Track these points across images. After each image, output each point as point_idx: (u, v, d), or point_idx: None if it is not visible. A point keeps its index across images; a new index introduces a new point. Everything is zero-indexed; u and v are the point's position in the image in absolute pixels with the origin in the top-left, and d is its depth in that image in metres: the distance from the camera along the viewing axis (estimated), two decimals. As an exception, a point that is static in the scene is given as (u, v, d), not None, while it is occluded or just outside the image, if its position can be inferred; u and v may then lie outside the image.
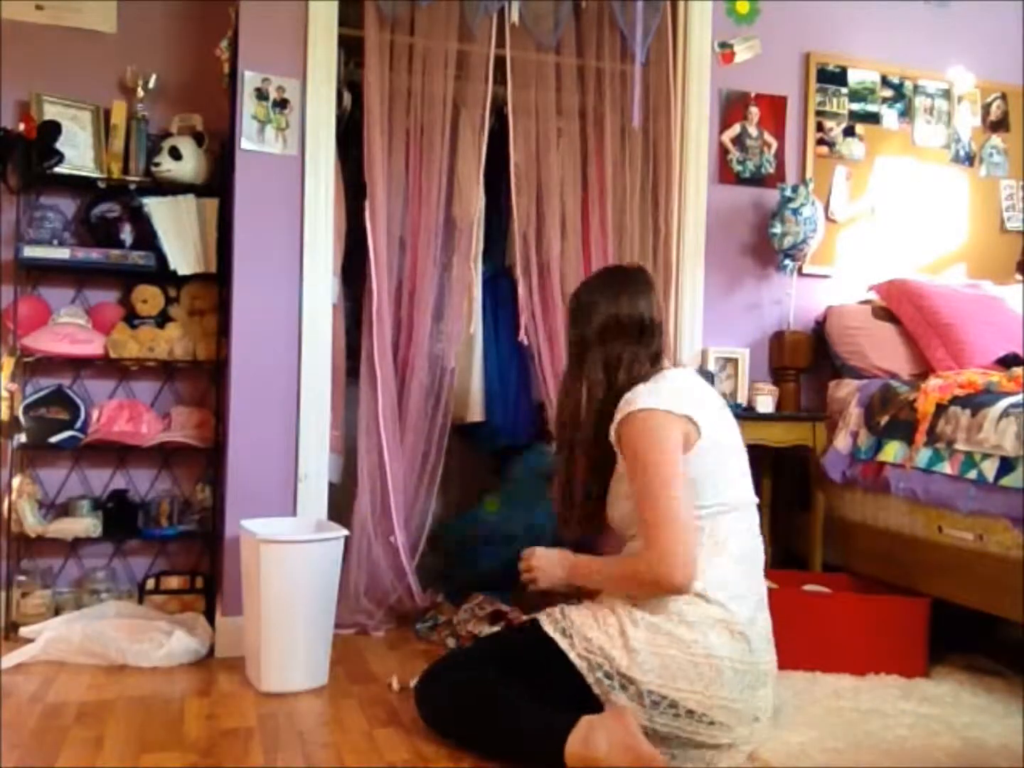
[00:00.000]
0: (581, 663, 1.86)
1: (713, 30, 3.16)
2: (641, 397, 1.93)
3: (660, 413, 1.91)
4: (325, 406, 2.81)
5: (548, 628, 1.92)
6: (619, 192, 3.08)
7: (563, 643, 1.88)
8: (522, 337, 3.01)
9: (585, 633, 1.88)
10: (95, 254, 2.87)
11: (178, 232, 2.91)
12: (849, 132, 3.36)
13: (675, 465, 1.89)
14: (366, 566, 2.83)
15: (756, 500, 2.05)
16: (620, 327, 2.03)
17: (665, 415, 1.91)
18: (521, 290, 3.01)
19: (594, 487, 2.06)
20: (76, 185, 2.94)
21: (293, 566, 2.36)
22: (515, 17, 2.95)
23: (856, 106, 3.36)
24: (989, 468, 2.30)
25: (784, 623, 2.04)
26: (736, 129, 3.21)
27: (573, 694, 1.85)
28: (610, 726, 1.75)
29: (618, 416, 1.95)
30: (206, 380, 3.08)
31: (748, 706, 1.88)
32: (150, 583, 2.94)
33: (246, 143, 2.73)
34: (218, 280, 2.98)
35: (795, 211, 3.05)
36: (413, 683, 2.13)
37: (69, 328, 2.88)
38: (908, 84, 3.43)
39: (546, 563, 2.05)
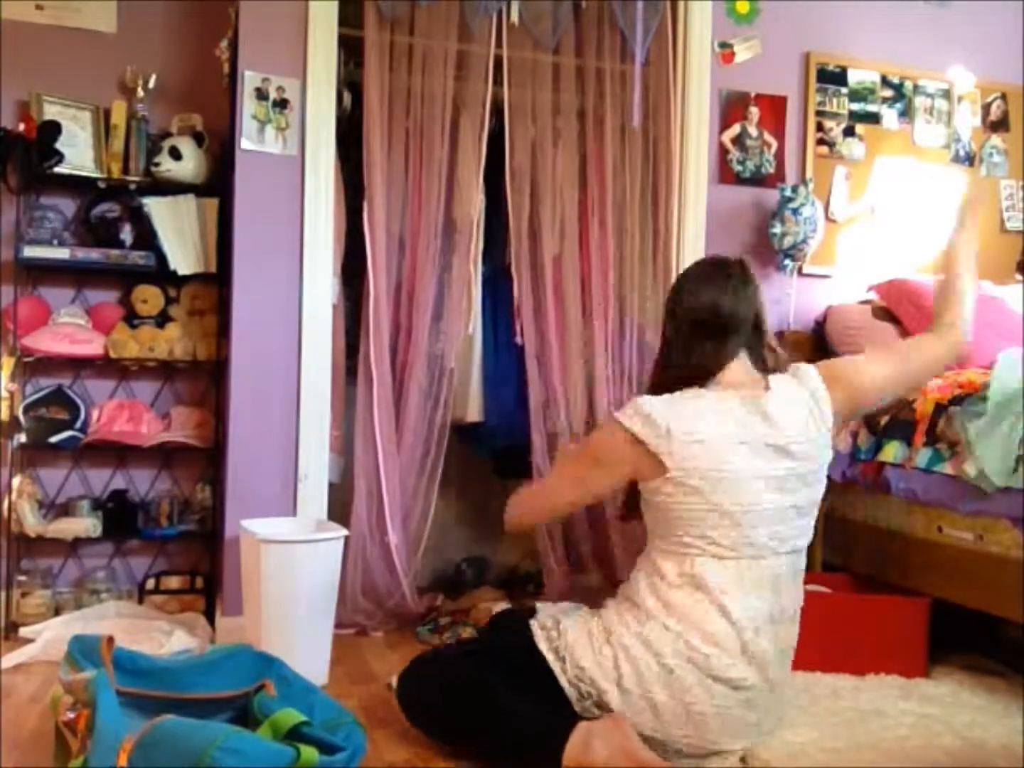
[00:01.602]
0: (571, 690, 1.84)
1: (713, 30, 3.16)
2: (625, 409, 1.89)
3: (623, 432, 1.85)
4: (325, 406, 2.81)
5: (541, 645, 1.88)
6: (619, 192, 3.08)
7: (555, 666, 1.85)
8: (517, 338, 3.01)
9: (578, 661, 1.83)
10: (95, 254, 2.87)
11: (178, 232, 2.91)
12: (849, 132, 3.35)
13: (585, 473, 1.96)
14: (363, 567, 2.83)
15: (784, 548, 1.87)
16: (692, 321, 1.92)
17: (623, 431, 1.85)
18: (517, 290, 3.01)
19: None
20: (76, 185, 2.94)
21: (293, 566, 2.36)
22: (515, 17, 2.95)
23: (856, 106, 3.36)
24: (989, 468, 2.30)
25: (784, 623, 2.03)
26: (736, 129, 3.21)
27: (555, 701, 1.84)
28: (608, 733, 1.72)
29: None
30: (206, 380, 3.08)
31: (740, 735, 1.87)
32: (150, 583, 2.95)
33: (246, 143, 2.73)
34: (218, 280, 2.98)
35: (795, 211, 3.05)
36: (392, 680, 2.10)
37: (69, 328, 2.88)
38: (908, 84, 3.43)
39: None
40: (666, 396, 1.88)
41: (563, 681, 1.84)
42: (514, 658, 1.90)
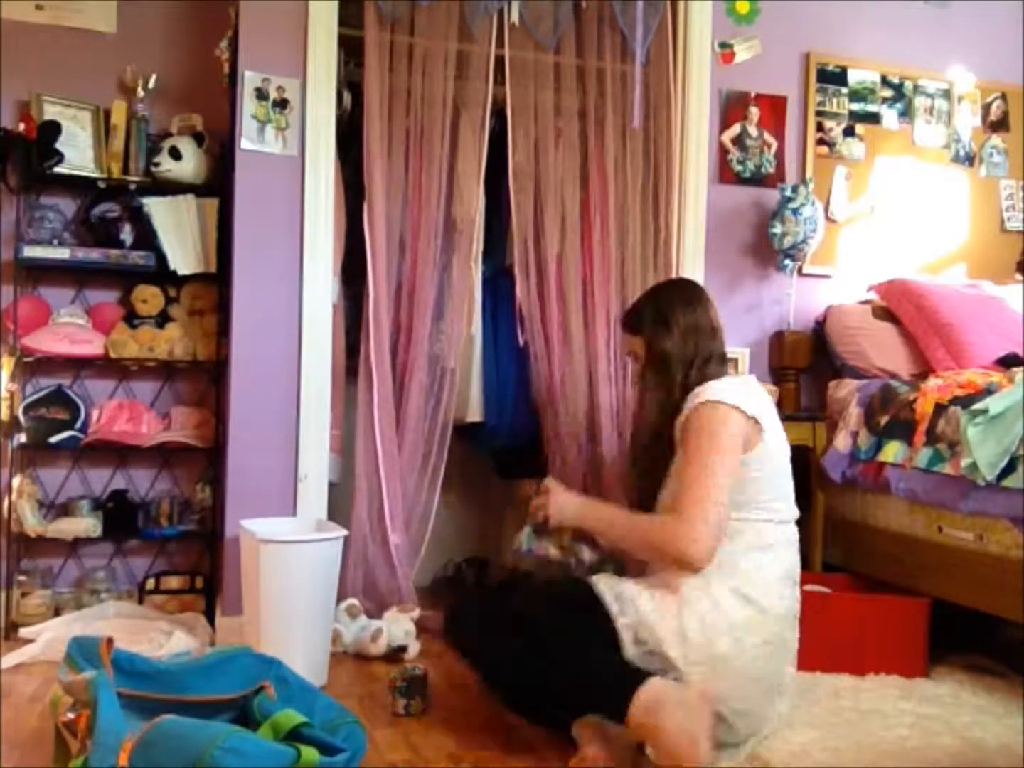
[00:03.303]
0: (627, 634, 1.86)
1: (713, 30, 3.16)
2: (710, 390, 1.99)
3: (726, 407, 1.96)
4: (325, 406, 2.81)
5: (600, 587, 1.91)
6: (619, 192, 3.07)
7: (613, 607, 1.88)
8: (520, 338, 3.01)
9: (639, 606, 1.88)
10: (95, 254, 2.87)
11: (178, 232, 2.91)
12: (849, 132, 3.36)
13: (726, 457, 1.94)
14: (363, 567, 2.83)
15: (798, 515, 2.09)
16: (698, 332, 2.12)
17: (731, 410, 1.96)
18: (519, 291, 3.01)
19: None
20: (76, 185, 2.94)
21: (293, 566, 2.36)
22: (515, 17, 2.95)
23: (856, 106, 3.36)
24: (989, 468, 2.30)
25: (784, 623, 2.03)
26: (736, 129, 3.21)
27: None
28: (688, 706, 1.69)
29: (685, 409, 2.01)
30: (206, 380, 3.08)
31: (764, 715, 1.92)
32: (150, 583, 2.94)
33: (246, 143, 2.73)
34: (218, 280, 2.98)
35: (795, 211, 3.05)
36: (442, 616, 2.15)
37: (69, 328, 2.88)
38: (908, 84, 3.43)
39: (562, 499, 2.09)
40: (720, 382, 2.04)
41: (619, 624, 1.86)
42: (566, 597, 1.93)
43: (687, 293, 2.22)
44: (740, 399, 1.98)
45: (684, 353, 2.11)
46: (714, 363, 2.12)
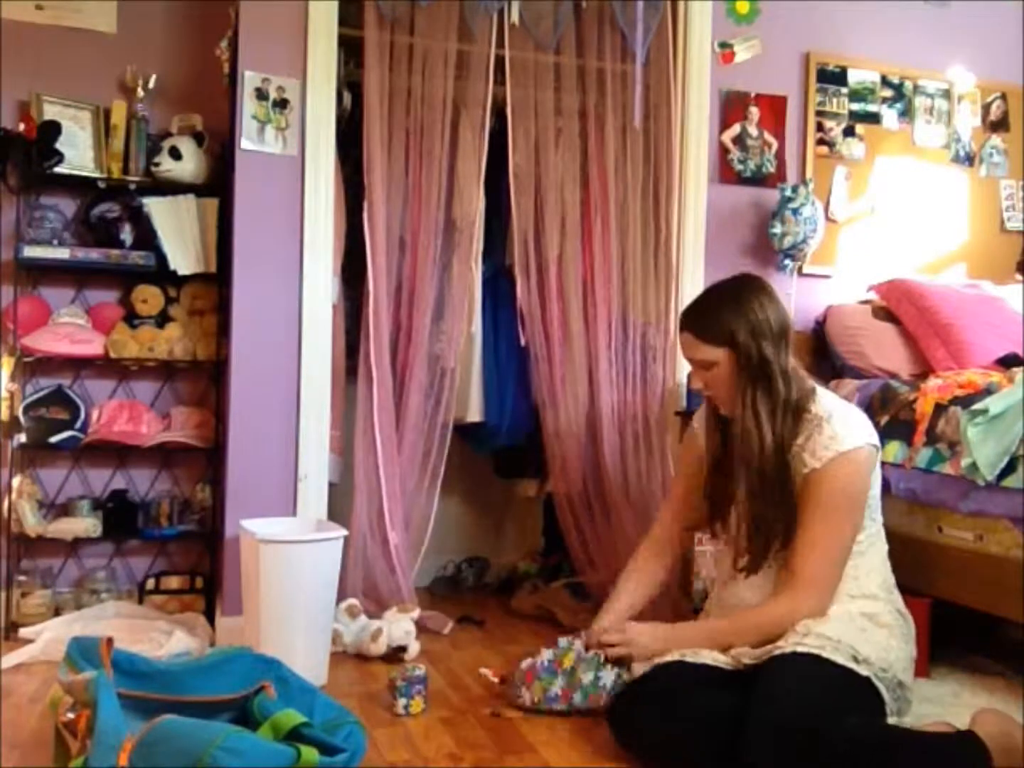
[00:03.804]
0: (883, 688, 1.83)
1: (713, 30, 3.16)
2: (851, 431, 1.94)
3: (873, 451, 1.96)
4: (325, 406, 2.81)
5: (838, 658, 1.79)
6: (619, 192, 3.08)
7: (862, 669, 1.80)
8: (521, 338, 3.01)
9: (869, 656, 1.83)
10: (95, 254, 2.87)
11: (178, 232, 2.91)
12: (849, 132, 3.36)
13: (859, 512, 1.95)
14: (363, 567, 2.83)
15: None
16: (786, 333, 2.00)
17: (874, 452, 1.97)
18: (520, 291, 3.01)
19: (785, 520, 1.97)
20: (76, 185, 2.94)
21: (293, 566, 2.36)
22: (515, 17, 2.95)
23: (856, 106, 3.36)
24: (989, 468, 2.30)
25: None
26: (736, 129, 3.21)
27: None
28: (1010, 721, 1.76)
29: (824, 451, 1.92)
30: (206, 380, 3.08)
31: None
32: (150, 583, 2.95)
33: (246, 143, 2.73)
34: (218, 280, 2.98)
35: (795, 211, 3.05)
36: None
37: (69, 328, 2.88)
38: (908, 84, 3.43)
39: (647, 638, 1.99)
40: (839, 407, 2.01)
41: (880, 684, 1.82)
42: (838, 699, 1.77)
43: (766, 291, 2.03)
44: (868, 427, 1.97)
45: (781, 363, 1.97)
46: (801, 370, 2.02)
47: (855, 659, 1.80)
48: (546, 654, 2.10)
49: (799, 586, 1.91)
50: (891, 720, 1.87)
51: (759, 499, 1.98)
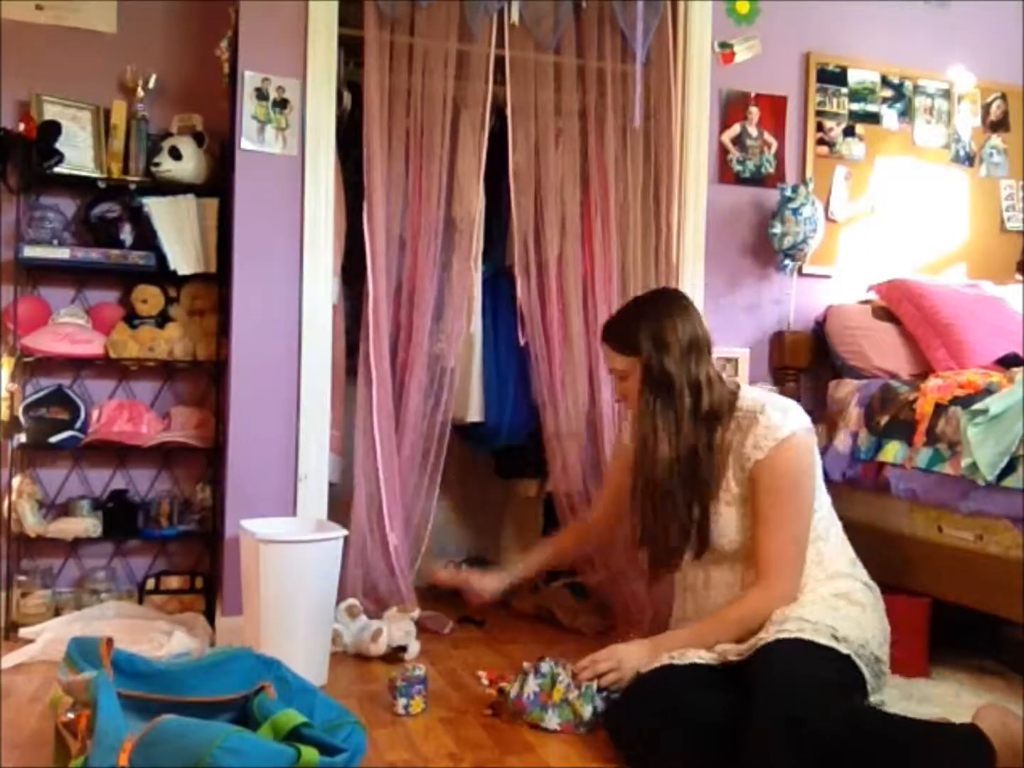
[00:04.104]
0: (865, 667, 1.86)
1: (713, 30, 3.16)
2: (785, 417, 2.00)
3: (809, 434, 2.00)
4: (325, 406, 2.81)
5: (821, 639, 1.81)
6: (620, 191, 3.07)
7: (841, 647, 1.82)
8: (520, 338, 3.01)
9: (847, 634, 1.86)
10: (95, 254, 2.87)
11: (178, 232, 2.91)
12: (849, 132, 3.36)
13: (811, 495, 2.00)
14: (363, 567, 2.83)
15: None
16: (699, 349, 2.06)
17: (810, 435, 2.00)
18: (520, 291, 3.01)
19: (698, 517, 2.04)
20: (76, 185, 2.94)
21: (293, 566, 2.36)
22: (515, 17, 2.95)
23: (856, 106, 3.36)
24: (989, 468, 2.30)
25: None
26: (736, 129, 3.21)
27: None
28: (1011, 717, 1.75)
29: (764, 441, 1.98)
30: (206, 380, 3.08)
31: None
32: (150, 583, 2.95)
33: (246, 143, 2.73)
34: (218, 280, 2.98)
35: (795, 211, 3.04)
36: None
37: (69, 328, 2.88)
38: (908, 84, 3.43)
39: (634, 656, 1.99)
40: (767, 398, 2.07)
41: (859, 662, 1.84)
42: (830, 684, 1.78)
43: (680, 305, 2.12)
44: (801, 414, 2.01)
45: (689, 375, 2.03)
46: (717, 381, 2.08)
47: (835, 638, 1.84)
48: (531, 682, 2.04)
49: (768, 574, 1.96)
50: (874, 698, 1.91)
51: (651, 504, 2.06)
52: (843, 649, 1.83)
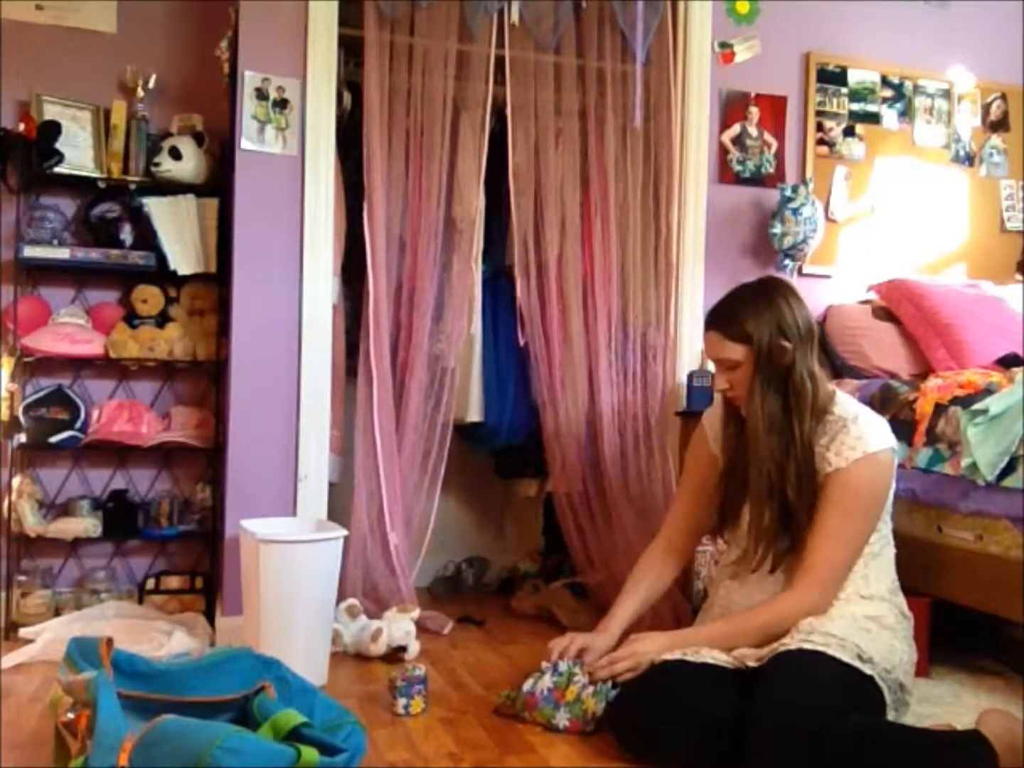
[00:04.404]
0: (887, 691, 1.84)
1: (713, 30, 3.16)
2: (876, 433, 1.96)
3: (893, 455, 1.97)
4: (325, 406, 2.81)
5: (844, 656, 1.78)
6: (619, 192, 3.07)
7: (866, 668, 1.79)
8: (520, 339, 3.02)
9: (873, 656, 1.82)
10: (95, 254, 2.87)
11: (178, 232, 2.91)
12: (849, 132, 3.36)
13: (874, 518, 1.96)
14: (363, 567, 2.83)
15: None
16: (812, 336, 1.99)
17: (894, 456, 1.97)
18: (520, 291, 3.01)
19: (803, 513, 1.96)
20: (76, 185, 2.94)
21: (293, 566, 2.36)
22: (515, 17, 2.95)
23: (856, 106, 3.36)
24: (989, 468, 2.30)
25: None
26: (736, 129, 3.21)
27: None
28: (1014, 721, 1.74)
29: (849, 451, 1.92)
30: (206, 380, 3.08)
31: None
32: (150, 583, 2.95)
33: (246, 143, 2.73)
34: (218, 280, 2.98)
35: (795, 211, 3.05)
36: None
37: (69, 328, 2.88)
38: (908, 84, 3.43)
39: (652, 648, 1.94)
40: (859, 410, 2.00)
41: (882, 685, 1.82)
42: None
43: (792, 292, 2.03)
44: (889, 434, 1.97)
45: (807, 364, 1.96)
46: (823, 376, 2.02)
47: (860, 657, 1.80)
48: (546, 679, 2.03)
49: (807, 581, 1.91)
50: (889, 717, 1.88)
51: (773, 500, 1.97)
52: (867, 670, 1.80)
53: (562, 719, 2.00)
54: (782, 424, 1.97)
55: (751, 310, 1.99)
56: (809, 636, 1.82)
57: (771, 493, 1.97)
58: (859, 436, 1.93)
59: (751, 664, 1.87)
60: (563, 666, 2.03)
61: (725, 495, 2.11)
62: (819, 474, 1.96)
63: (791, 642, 1.82)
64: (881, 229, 3.38)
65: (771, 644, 1.87)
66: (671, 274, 3.10)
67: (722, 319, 2.05)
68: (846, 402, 2.03)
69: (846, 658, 1.78)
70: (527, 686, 2.05)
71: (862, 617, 1.92)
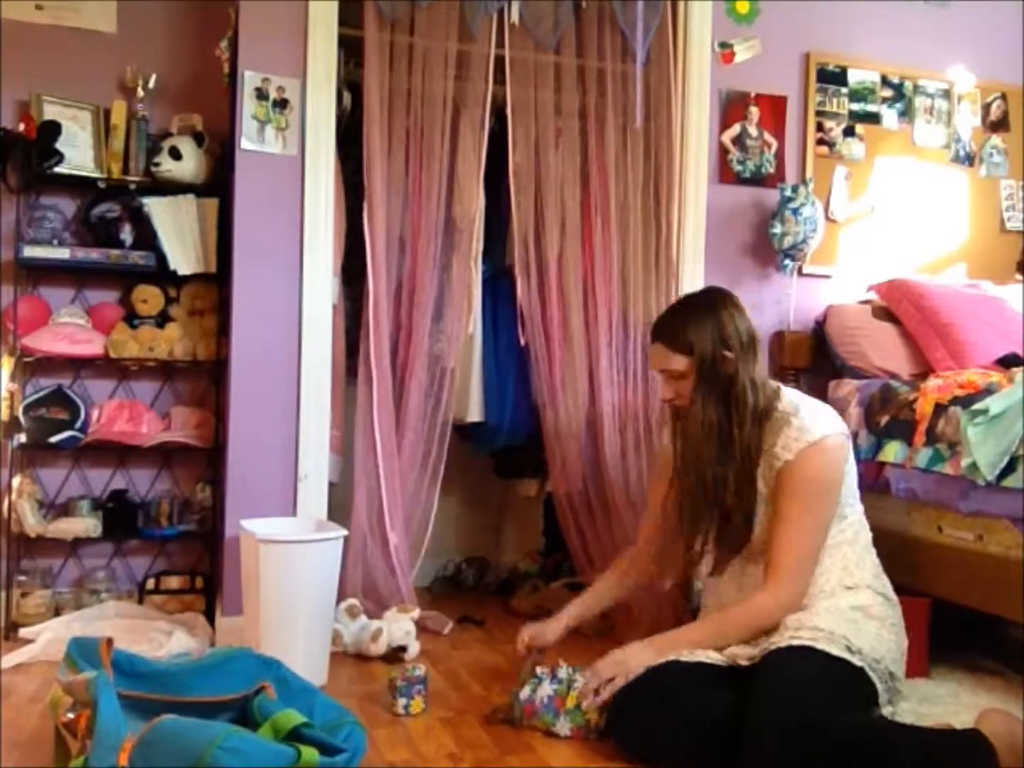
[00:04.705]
0: (879, 682, 1.85)
1: (713, 30, 3.16)
2: (819, 421, 1.98)
3: (843, 439, 1.99)
4: (325, 406, 2.81)
5: (833, 650, 1.81)
6: (620, 191, 3.07)
7: (855, 659, 1.82)
8: (521, 339, 3.02)
9: (861, 647, 1.85)
10: (95, 254, 2.87)
11: (178, 232, 2.91)
12: (849, 132, 3.35)
13: (832, 504, 1.98)
14: (363, 567, 2.83)
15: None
16: (753, 344, 2.05)
17: (844, 440, 1.99)
18: (520, 291, 3.01)
19: (740, 515, 2.04)
20: (76, 185, 2.94)
21: (293, 566, 2.36)
22: (515, 17, 2.95)
23: (856, 106, 3.36)
24: (989, 468, 2.30)
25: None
26: (736, 129, 3.21)
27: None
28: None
29: (794, 443, 1.96)
30: (206, 380, 3.08)
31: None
32: (150, 583, 2.95)
33: (246, 143, 2.73)
34: (218, 280, 2.98)
35: (795, 211, 3.04)
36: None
37: (69, 328, 2.88)
38: (908, 84, 3.43)
39: (639, 657, 1.94)
40: (804, 402, 2.05)
41: (873, 675, 1.84)
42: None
43: (733, 302, 2.09)
44: (834, 419, 2.00)
45: (747, 373, 2.02)
46: (765, 380, 2.07)
47: (849, 649, 1.82)
48: (545, 686, 2.01)
49: (776, 574, 1.95)
50: (885, 711, 1.89)
51: (712, 504, 2.05)
52: (856, 661, 1.82)
53: (564, 727, 1.98)
54: (722, 431, 2.02)
55: (694, 321, 2.05)
56: (797, 632, 1.85)
57: (708, 496, 2.04)
58: (801, 427, 1.98)
59: (743, 663, 1.88)
60: (562, 672, 2.03)
61: (681, 503, 2.15)
62: (772, 469, 2.00)
63: (780, 639, 1.85)
64: (881, 229, 3.38)
65: (759, 641, 1.89)
66: (671, 274, 3.10)
67: (666, 331, 2.10)
68: (789, 396, 2.07)
69: (835, 651, 1.80)
70: (524, 694, 2.03)
71: (848, 608, 1.94)
